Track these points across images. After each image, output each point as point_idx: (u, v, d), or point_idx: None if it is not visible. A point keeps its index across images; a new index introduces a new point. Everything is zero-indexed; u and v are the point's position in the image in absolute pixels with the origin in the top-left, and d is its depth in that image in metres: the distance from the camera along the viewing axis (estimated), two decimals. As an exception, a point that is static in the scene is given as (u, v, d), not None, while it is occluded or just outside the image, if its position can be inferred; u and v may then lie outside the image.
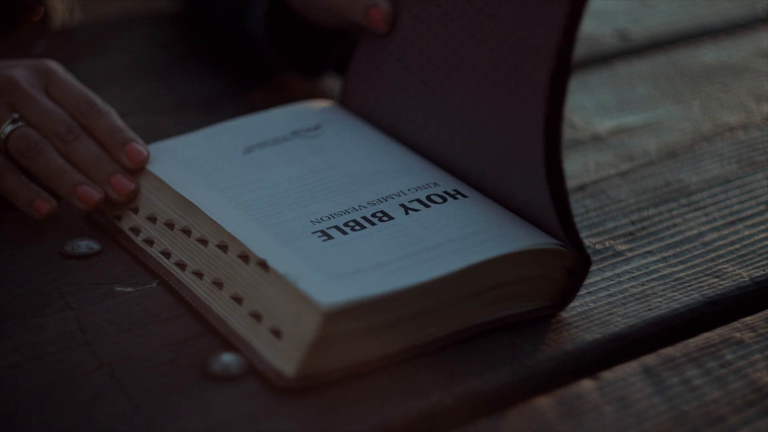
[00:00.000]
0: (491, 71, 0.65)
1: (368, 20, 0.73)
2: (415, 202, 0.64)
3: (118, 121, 0.70)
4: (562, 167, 0.60)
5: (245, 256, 0.61)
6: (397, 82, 0.72)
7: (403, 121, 0.72)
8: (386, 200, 0.65)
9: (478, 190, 0.66)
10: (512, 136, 0.63)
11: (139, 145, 0.69)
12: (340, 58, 0.84)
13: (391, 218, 0.63)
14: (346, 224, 0.63)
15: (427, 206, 0.64)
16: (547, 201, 0.61)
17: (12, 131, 0.69)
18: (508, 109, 0.63)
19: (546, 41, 0.60)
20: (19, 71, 0.71)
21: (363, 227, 0.62)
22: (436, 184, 0.66)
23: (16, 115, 0.69)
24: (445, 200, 0.64)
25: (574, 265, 0.62)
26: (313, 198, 0.66)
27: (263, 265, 0.59)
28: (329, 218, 0.63)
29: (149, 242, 0.66)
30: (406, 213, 0.63)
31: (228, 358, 0.57)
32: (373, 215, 0.64)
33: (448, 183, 0.67)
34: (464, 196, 0.65)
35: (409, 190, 0.66)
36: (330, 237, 0.62)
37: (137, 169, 0.69)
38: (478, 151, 0.66)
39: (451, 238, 0.61)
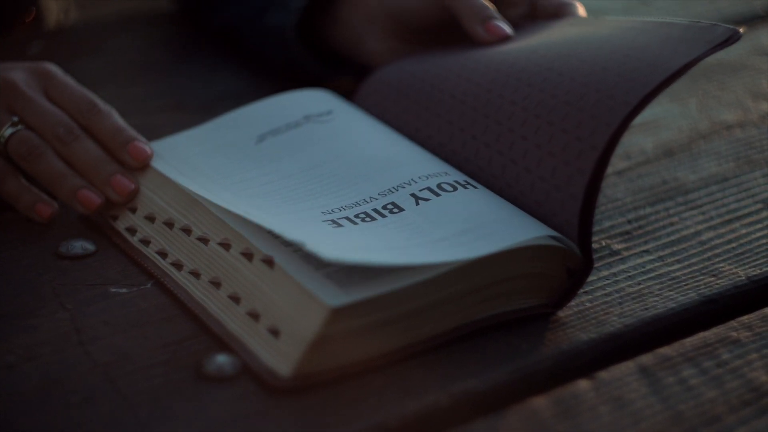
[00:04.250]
0: (547, 114, 0.66)
1: (487, 31, 0.75)
2: (426, 190, 0.64)
3: (120, 121, 0.70)
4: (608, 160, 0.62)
5: (249, 254, 0.60)
6: (423, 100, 0.73)
7: (415, 129, 0.73)
8: (397, 190, 0.65)
9: (489, 185, 0.67)
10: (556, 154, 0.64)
11: (142, 144, 0.69)
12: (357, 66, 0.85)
13: (401, 209, 0.63)
14: (356, 216, 0.63)
15: (437, 195, 0.64)
16: (579, 190, 0.61)
17: (12, 134, 0.69)
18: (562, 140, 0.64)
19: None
20: (18, 74, 0.71)
21: (373, 219, 0.62)
22: (446, 173, 0.66)
23: (15, 118, 0.69)
24: (455, 189, 0.64)
25: (575, 265, 0.62)
26: (324, 190, 0.66)
27: (269, 262, 0.59)
28: (340, 210, 0.63)
29: (145, 242, 0.66)
30: (417, 203, 0.63)
31: (222, 359, 0.57)
32: (384, 207, 0.63)
33: (458, 174, 0.67)
34: (474, 187, 0.65)
35: (419, 177, 0.66)
36: (340, 227, 0.62)
37: (140, 167, 0.69)
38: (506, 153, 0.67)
39: (456, 231, 0.61)
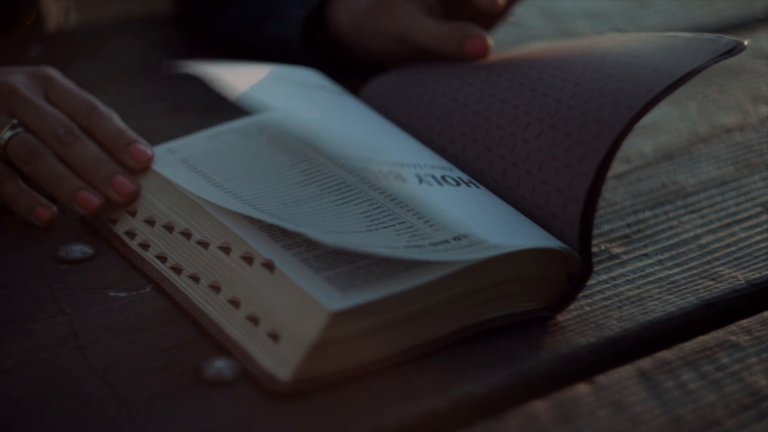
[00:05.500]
0: (550, 118, 0.66)
1: (466, 52, 0.74)
2: (430, 177, 0.65)
3: (121, 123, 0.70)
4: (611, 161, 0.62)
5: (249, 258, 0.60)
6: (425, 104, 0.73)
7: (416, 133, 0.73)
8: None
9: (490, 188, 0.67)
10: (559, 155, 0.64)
11: (143, 146, 0.69)
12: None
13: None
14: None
15: (440, 184, 0.64)
16: (581, 194, 0.61)
17: (11, 137, 0.69)
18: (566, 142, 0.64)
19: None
20: (18, 77, 0.71)
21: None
22: (451, 169, 0.67)
23: (15, 121, 0.69)
24: (458, 184, 0.65)
25: (575, 269, 0.62)
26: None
27: (269, 266, 0.59)
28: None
29: (145, 246, 0.66)
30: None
31: (221, 363, 0.57)
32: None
33: (461, 173, 0.67)
34: (477, 186, 0.65)
35: (425, 165, 0.66)
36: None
37: (141, 169, 0.69)
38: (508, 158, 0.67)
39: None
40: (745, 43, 0.63)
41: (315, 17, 0.85)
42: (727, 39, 0.64)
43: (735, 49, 0.63)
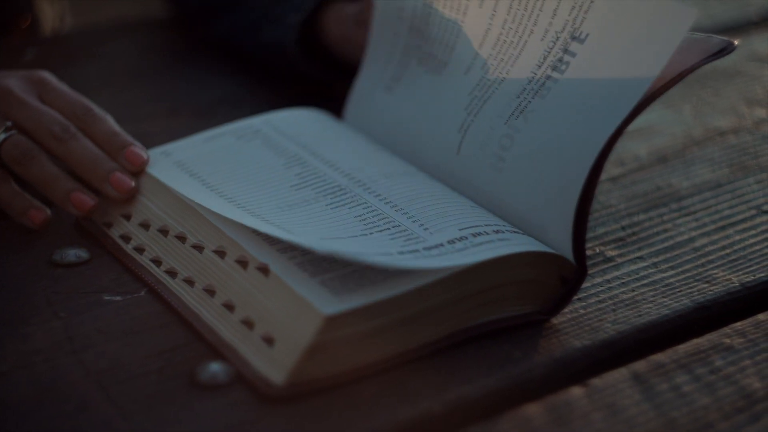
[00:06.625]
0: None
1: None
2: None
3: (115, 126, 0.70)
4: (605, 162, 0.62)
5: (244, 262, 0.60)
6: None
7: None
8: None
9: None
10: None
11: (138, 149, 0.69)
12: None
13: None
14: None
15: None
16: (573, 199, 0.61)
17: (5, 139, 0.69)
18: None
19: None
20: (12, 81, 0.71)
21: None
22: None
23: (9, 123, 0.69)
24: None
25: (569, 273, 0.62)
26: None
27: (264, 269, 0.59)
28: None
29: (140, 250, 0.66)
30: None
31: (216, 367, 0.57)
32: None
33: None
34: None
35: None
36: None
37: (137, 172, 0.69)
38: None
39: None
40: (736, 42, 0.64)
41: (310, 23, 0.85)
42: (719, 38, 0.64)
43: (726, 50, 0.63)
